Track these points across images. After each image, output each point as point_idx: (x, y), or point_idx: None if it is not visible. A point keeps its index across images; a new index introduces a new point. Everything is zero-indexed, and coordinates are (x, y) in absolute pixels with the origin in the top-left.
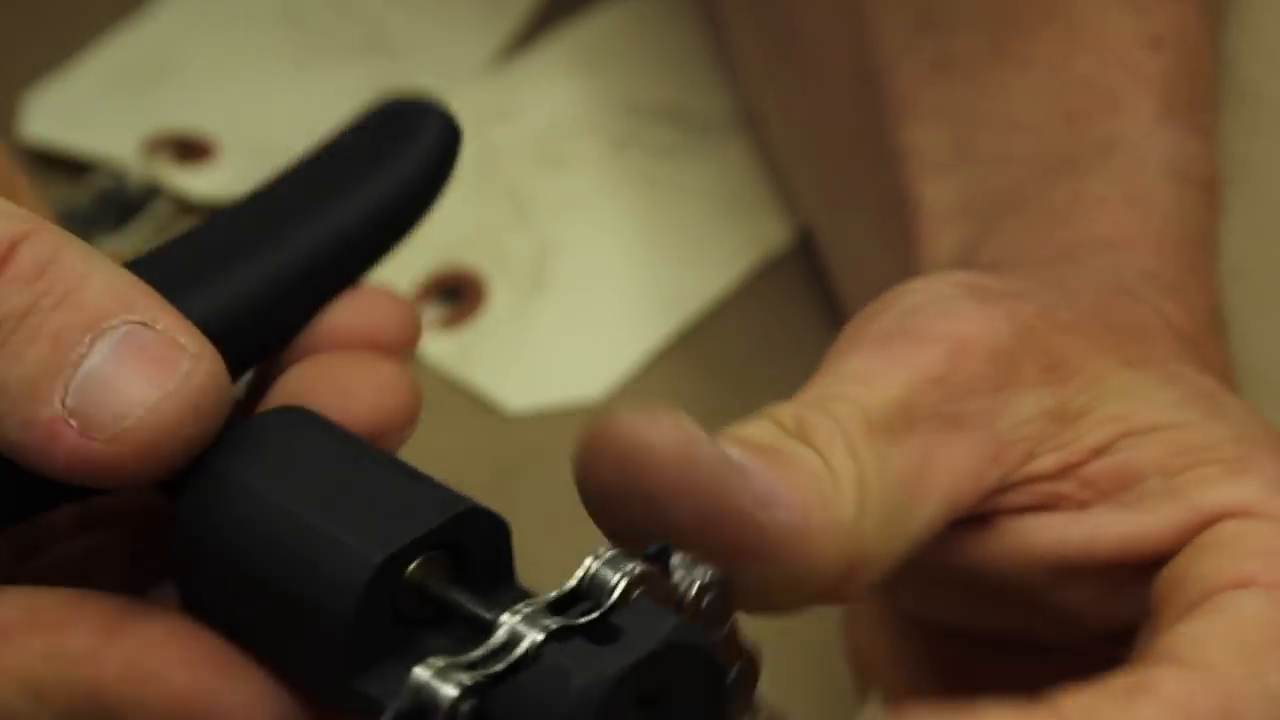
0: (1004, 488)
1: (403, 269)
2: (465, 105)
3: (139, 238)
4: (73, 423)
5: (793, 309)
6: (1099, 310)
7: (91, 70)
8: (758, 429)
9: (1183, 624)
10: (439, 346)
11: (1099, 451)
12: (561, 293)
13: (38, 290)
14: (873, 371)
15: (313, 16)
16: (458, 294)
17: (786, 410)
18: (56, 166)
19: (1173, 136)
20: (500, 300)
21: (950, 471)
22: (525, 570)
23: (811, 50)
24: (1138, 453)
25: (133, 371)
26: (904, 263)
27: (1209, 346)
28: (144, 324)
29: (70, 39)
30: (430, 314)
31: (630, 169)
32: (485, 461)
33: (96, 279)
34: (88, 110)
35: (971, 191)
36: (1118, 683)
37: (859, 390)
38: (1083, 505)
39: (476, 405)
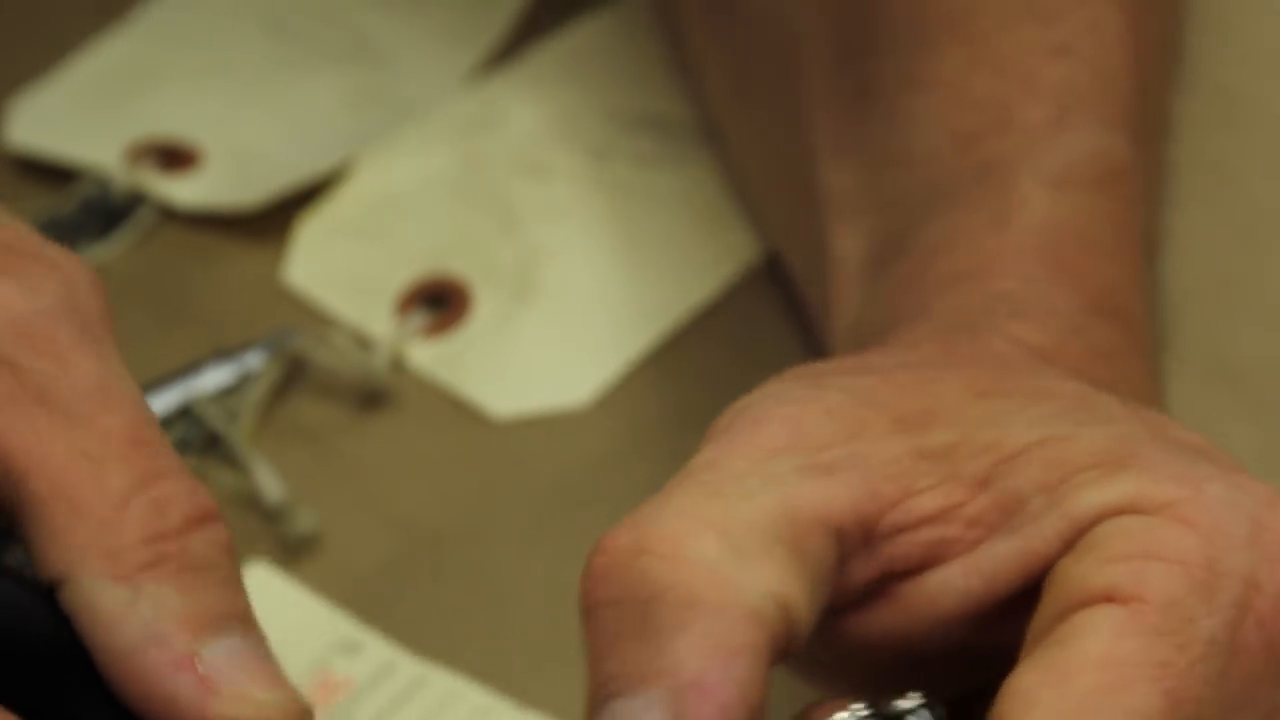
0: (889, 533)
1: (387, 276)
2: (449, 113)
3: (124, 245)
4: (200, 668)
5: (776, 316)
6: (939, 356)
7: (75, 78)
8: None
9: (1025, 665)
10: (423, 354)
11: (979, 485)
12: (546, 300)
13: (217, 561)
14: (715, 459)
15: (296, 25)
16: (443, 302)
17: (621, 537)
18: (40, 174)
19: (1063, 141)
20: (485, 308)
21: (828, 503)
22: (510, 577)
23: (764, 91)
24: (1016, 478)
25: (265, 670)
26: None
27: (1072, 351)
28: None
29: (54, 47)
30: (415, 322)
31: (613, 178)
32: (470, 468)
33: (246, 589)
34: (71, 118)
35: (875, 239)
36: None
37: (706, 475)
38: (972, 545)
39: (461, 412)
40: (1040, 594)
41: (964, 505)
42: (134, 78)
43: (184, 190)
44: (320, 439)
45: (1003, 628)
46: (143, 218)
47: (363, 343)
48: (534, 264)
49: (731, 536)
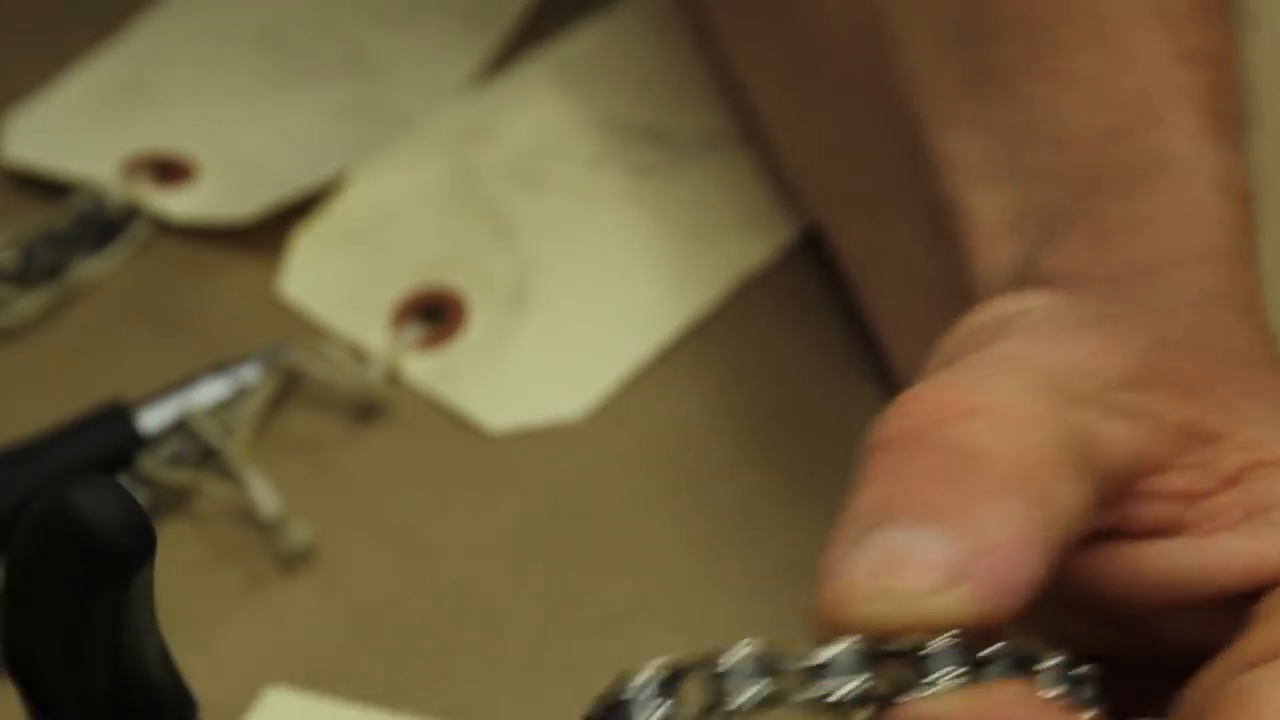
0: (1140, 496)
1: (382, 288)
2: (444, 125)
3: (119, 259)
4: None
5: (773, 327)
6: (1198, 333)
7: (71, 92)
8: (906, 414)
9: (1270, 680)
10: (419, 367)
11: (1229, 482)
12: (542, 312)
13: None
14: (1023, 353)
15: (291, 38)
16: (438, 314)
17: (948, 392)
18: (36, 188)
19: (1217, 150)
20: (481, 320)
21: (1114, 444)
22: (505, 590)
23: (831, 70)
24: (1267, 485)
25: None
26: (948, 269)
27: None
28: None
29: (50, 62)
30: (410, 334)
31: (609, 188)
32: (465, 481)
33: None
34: (67, 132)
35: (1022, 204)
36: None
37: (1019, 363)
38: (1204, 535)
39: (456, 425)
40: (1254, 603)
41: (1211, 496)
42: (129, 92)
43: (179, 203)
44: (316, 452)
45: (1195, 619)
46: (138, 231)
47: (358, 356)
48: (529, 275)
49: (1054, 432)
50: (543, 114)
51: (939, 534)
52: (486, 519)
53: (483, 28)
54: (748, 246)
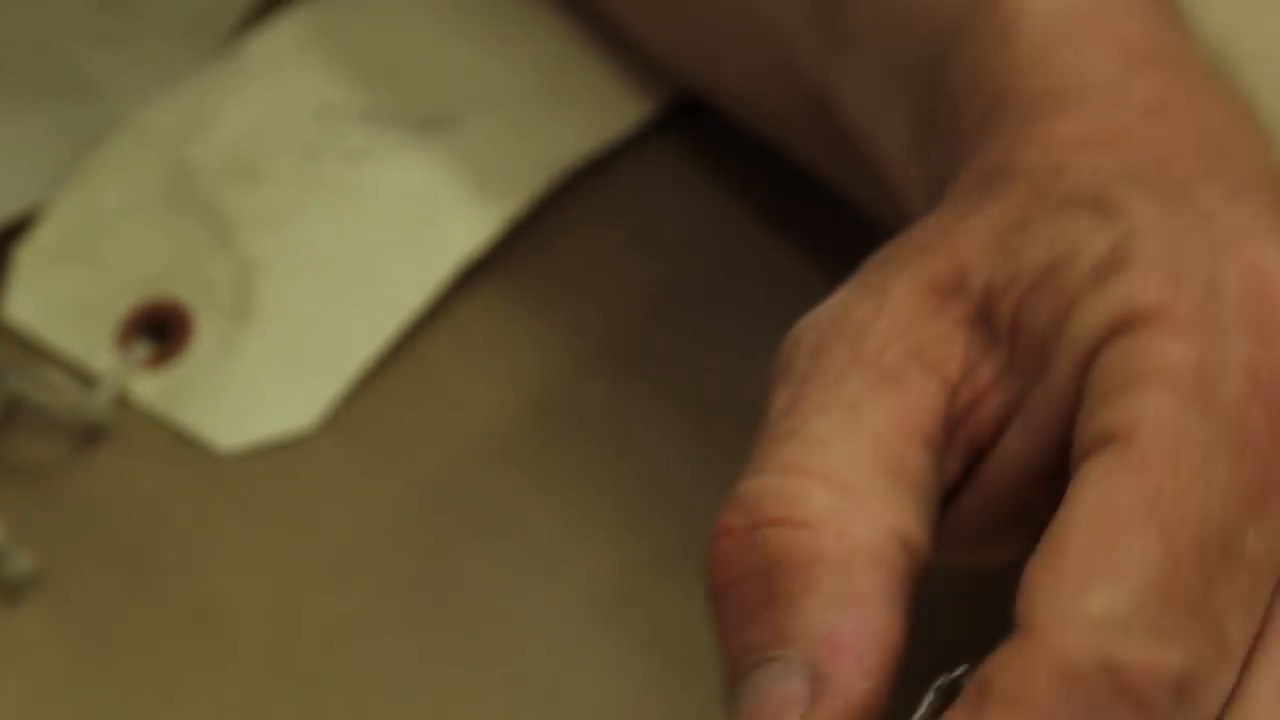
0: (963, 414)
1: (108, 305)
2: (154, 120)
3: None
4: None
5: (497, 316)
6: (972, 200)
7: None
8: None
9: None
10: (147, 387)
11: (1012, 331)
12: (265, 319)
13: None
14: (792, 401)
15: (5, 61)
16: (164, 329)
17: (734, 517)
18: None
19: None
20: (205, 332)
21: (906, 414)
22: (230, 609)
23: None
24: (1032, 313)
25: None
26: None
27: (1119, 120)
28: None
29: None
30: (138, 353)
31: (325, 178)
32: (193, 501)
33: None
34: None
35: (911, 119)
36: None
37: (791, 423)
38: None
39: (186, 444)
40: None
41: (1011, 359)
42: None
43: None
44: (41, 480)
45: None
46: None
47: (84, 379)
48: (252, 279)
49: (837, 481)
50: (256, 104)
51: (787, 661)
52: (215, 538)
53: (201, 39)
54: (468, 226)
